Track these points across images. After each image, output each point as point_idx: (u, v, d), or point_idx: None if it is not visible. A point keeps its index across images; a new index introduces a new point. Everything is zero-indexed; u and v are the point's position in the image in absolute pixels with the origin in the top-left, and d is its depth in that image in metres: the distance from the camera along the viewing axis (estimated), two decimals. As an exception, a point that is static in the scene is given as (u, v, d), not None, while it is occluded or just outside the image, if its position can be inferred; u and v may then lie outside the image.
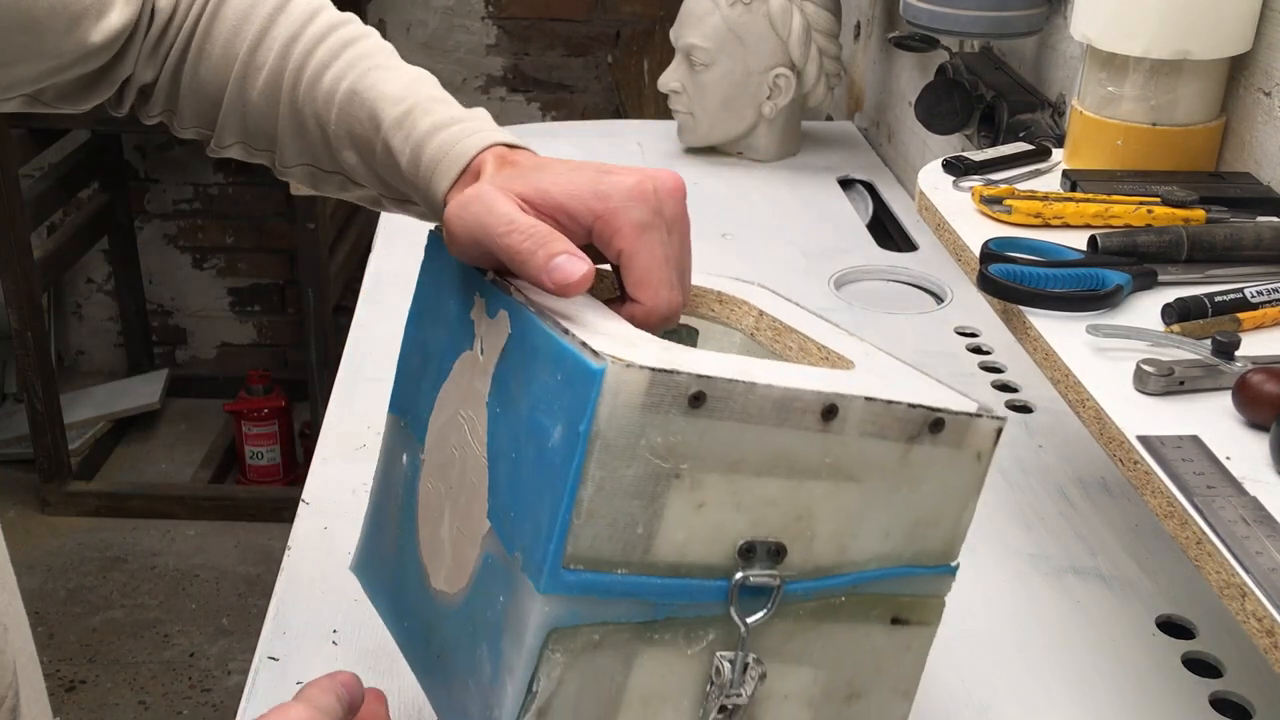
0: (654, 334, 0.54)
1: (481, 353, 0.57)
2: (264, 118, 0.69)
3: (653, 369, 0.47)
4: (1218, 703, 0.75)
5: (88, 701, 2.12)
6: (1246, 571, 0.53)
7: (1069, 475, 0.97)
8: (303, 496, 0.93)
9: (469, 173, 0.60)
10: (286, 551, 0.87)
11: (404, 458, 0.64)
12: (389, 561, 0.64)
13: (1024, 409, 1.07)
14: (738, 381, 0.48)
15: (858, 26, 1.90)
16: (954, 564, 0.58)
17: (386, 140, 0.64)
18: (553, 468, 0.48)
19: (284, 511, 1.33)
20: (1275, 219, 0.81)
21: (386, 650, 0.75)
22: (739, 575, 0.51)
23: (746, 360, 0.53)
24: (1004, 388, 1.11)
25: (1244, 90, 0.88)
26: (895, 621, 0.57)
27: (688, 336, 0.66)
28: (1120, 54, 0.85)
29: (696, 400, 0.48)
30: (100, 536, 2.55)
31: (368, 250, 1.40)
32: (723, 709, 0.53)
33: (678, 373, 0.47)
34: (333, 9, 0.71)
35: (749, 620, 0.52)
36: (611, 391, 0.47)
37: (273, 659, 0.77)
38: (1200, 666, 0.78)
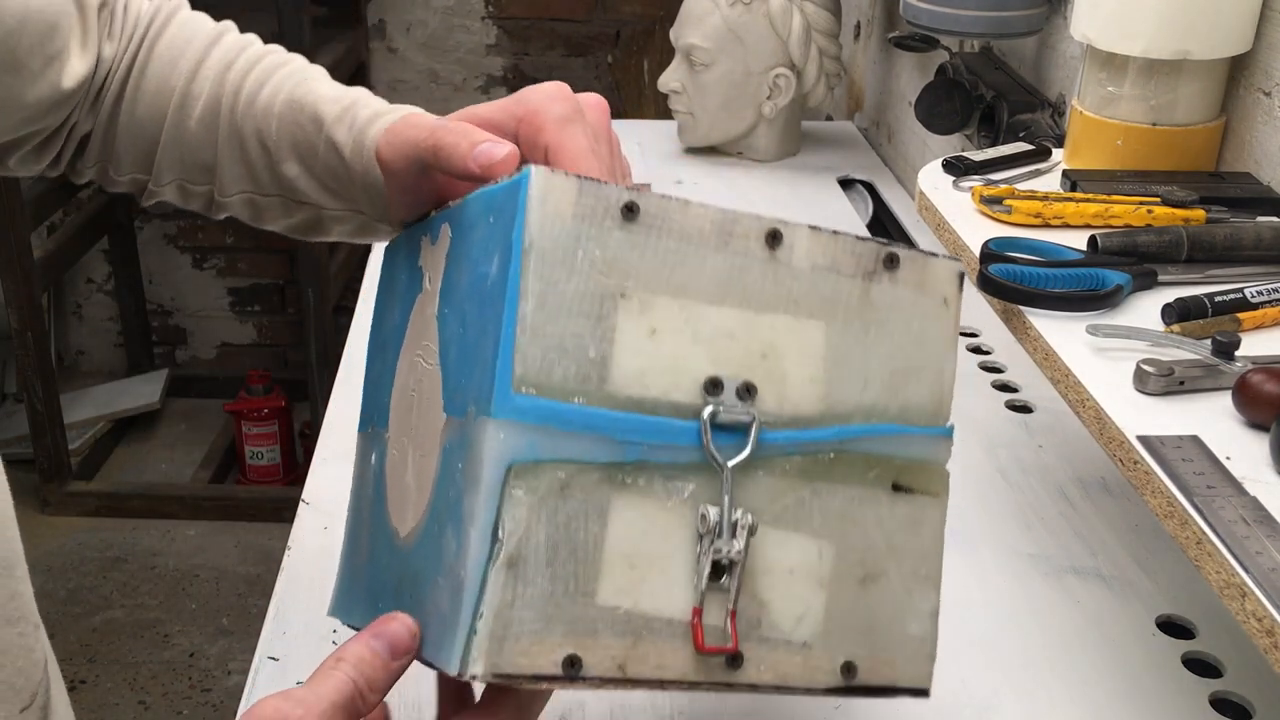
0: None
1: (429, 281, 0.57)
2: (203, 146, 0.69)
3: (580, 177, 0.47)
4: (1218, 703, 0.75)
5: (88, 701, 2.12)
6: (1246, 571, 0.53)
7: (1069, 475, 0.97)
8: (303, 496, 0.93)
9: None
10: (286, 551, 0.87)
11: (372, 457, 0.63)
12: (363, 573, 0.62)
13: (1024, 409, 1.07)
14: (671, 198, 0.49)
15: (858, 26, 1.90)
16: (948, 425, 0.55)
17: (330, 135, 0.65)
18: (493, 298, 0.48)
19: (284, 511, 1.33)
20: (1275, 219, 0.81)
21: (386, 650, 0.75)
22: (708, 409, 0.49)
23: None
24: (1004, 388, 1.11)
25: (1244, 90, 0.88)
26: (897, 489, 0.54)
27: None
28: (1120, 54, 0.85)
29: (629, 211, 0.48)
30: (100, 536, 2.55)
31: (368, 250, 1.40)
32: (716, 568, 0.49)
33: (607, 185, 0.48)
34: (259, 41, 0.73)
35: (728, 462, 0.49)
36: (539, 199, 0.47)
37: (273, 659, 0.77)
38: (1200, 666, 0.78)
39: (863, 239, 0.53)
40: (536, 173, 0.47)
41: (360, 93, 0.67)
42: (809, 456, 0.52)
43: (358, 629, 0.51)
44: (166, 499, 2.62)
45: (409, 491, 0.56)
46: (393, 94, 2.80)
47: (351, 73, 2.62)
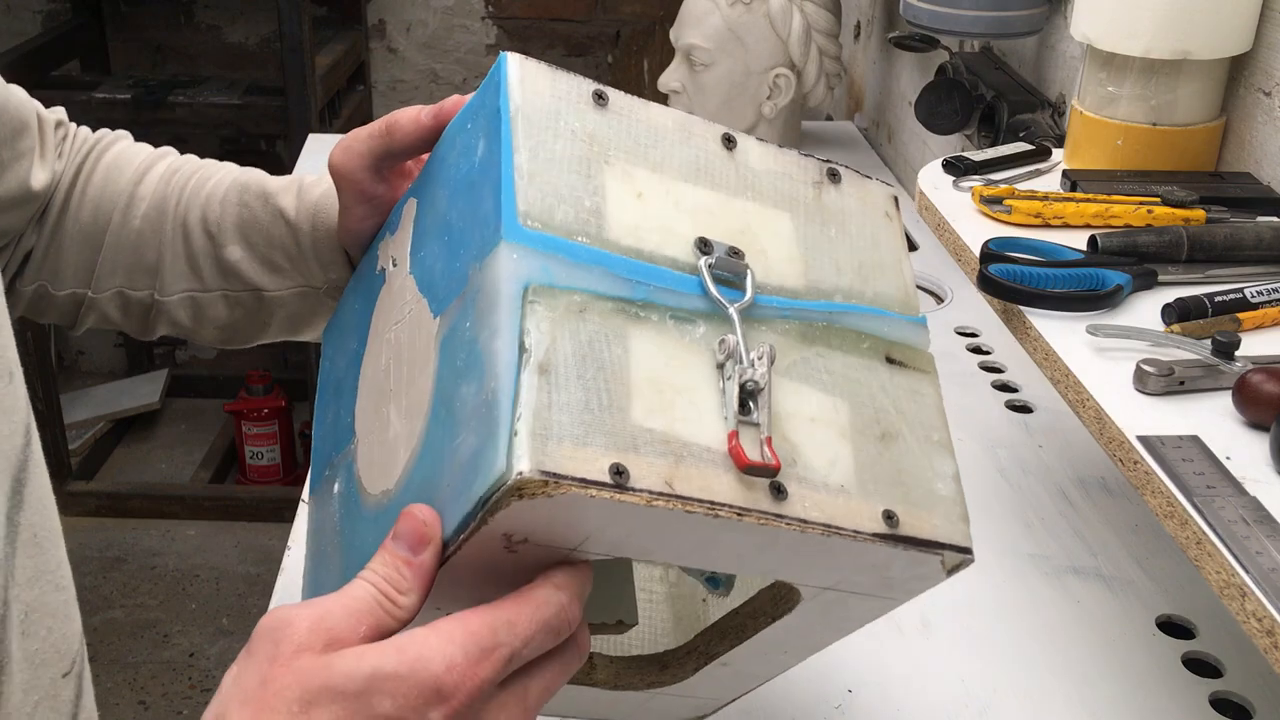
0: None
1: (394, 263, 0.59)
2: (146, 245, 0.72)
3: (551, 65, 0.51)
4: (1218, 703, 0.75)
5: (88, 701, 2.12)
6: (1246, 571, 0.53)
7: (1069, 475, 0.97)
8: (303, 496, 0.93)
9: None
10: (286, 551, 0.87)
11: (336, 486, 0.61)
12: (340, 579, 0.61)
13: (1024, 409, 1.07)
14: (634, 99, 0.53)
15: (858, 26, 1.90)
16: (922, 316, 0.58)
17: (276, 204, 0.69)
18: (485, 171, 0.50)
19: (284, 511, 1.33)
20: (1275, 219, 0.81)
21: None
22: (704, 260, 0.51)
23: None
24: (1004, 388, 1.11)
25: (1244, 90, 0.88)
26: (891, 361, 0.56)
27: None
28: (1120, 54, 0.85)
29: (600, 98, 0.52)
30: (100, 536, 2.55)
31: (368, 250, 1.40)
32: (744, 397, 0.48)
33: (575, 75, 0.52)
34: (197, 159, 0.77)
35: (732, 307, 0.50)
36: (518, 77, 0.50)
37: (273, 659, 0.76)
38: (1200, 666, 0.78)
39: (805, 154, 0.57)
40: (511, 56, 0.51)
41: (306, 174, 0.72)
42: (804, 323, 0.54)
43: None
44: (166, 499, 2.62)
45: (397, 440, 0.54)
46: (393, 94, 2.80)
47: (351, 72, 2.62)
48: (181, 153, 0.77)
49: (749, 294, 0.51)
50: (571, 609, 0.45)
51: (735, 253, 0.52)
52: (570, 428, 0.44)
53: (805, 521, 0.48)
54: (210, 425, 2.92)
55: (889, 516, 0.51)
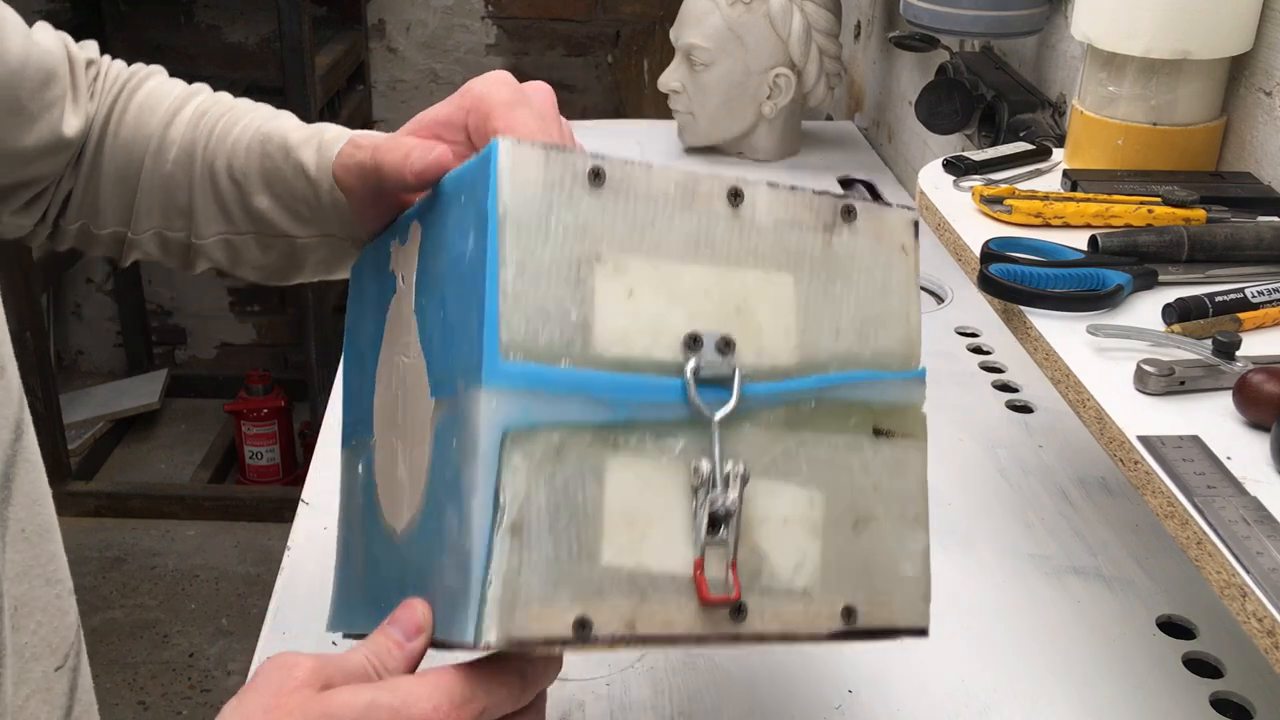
0: None
1: (402, 280, 0.58)
2: (179, 188, 0.72)
3: (545, 146, 0.48)
4: (1218, 703, 0.75)
5: (87, 701, 2.12)
6: (1247, 572, 0.53)
7: (1069, 475, 0.97)
8: (303, 496, 0.93)
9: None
10: (286, 551, 0.87)
11: (359, 468, 0.64)
12: (361, 582, 0.63)
13: (1024, 409, 1.07)
14: (634, 162, 0.50)
15: (858, 26, 1.90)
16: (920, 369, 0.57)
17: (296, 158, 0.68)
18: (473, 272, 0.49)
19: (284, 511, 1.33)
20: (1276, 219, 0.81)
21: (386, 650, 0.75)
22: (691, 364, 0.50)
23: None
24: (1004, 388, 1.11)
25: (1244, 90, 0.88)
26: (878, 433, 0.56)
27: None
28: (1120, 54, 0.85)
29: (596, 176, 0.49)
30: (100, 536, 2.55)
31: (367, 250, 1.40)
32: (714, 520, 0.50)
33: (572, 152, 0.49)
34: (230, 98, 0.76)
35: (715, 415, 0.50)
36: (509, 168, 0.48)
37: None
38: (1201, 667, 0.78)
39: (819, 193, 0.54)
40: (504, 142, 0.48)
41: (328, 125, 0.70)
42: (791, 407, 0.53)
43: (362, 637, 0.52)
44: (166, 499, 2.62)
45: (402, 487, 0.56)
46: (393, 93, 2.80)
47: (351, 72, 2.62)
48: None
49: (734, 400, 0.51)
50: (545, 679, 0.51)
51: (726, 344, 0.52)
52: (539, 587, 0.47)
53: (762, 636, 0.51)
54: (210, 425, 2.92)
55: (848, 613, 0.53)
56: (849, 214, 0.55)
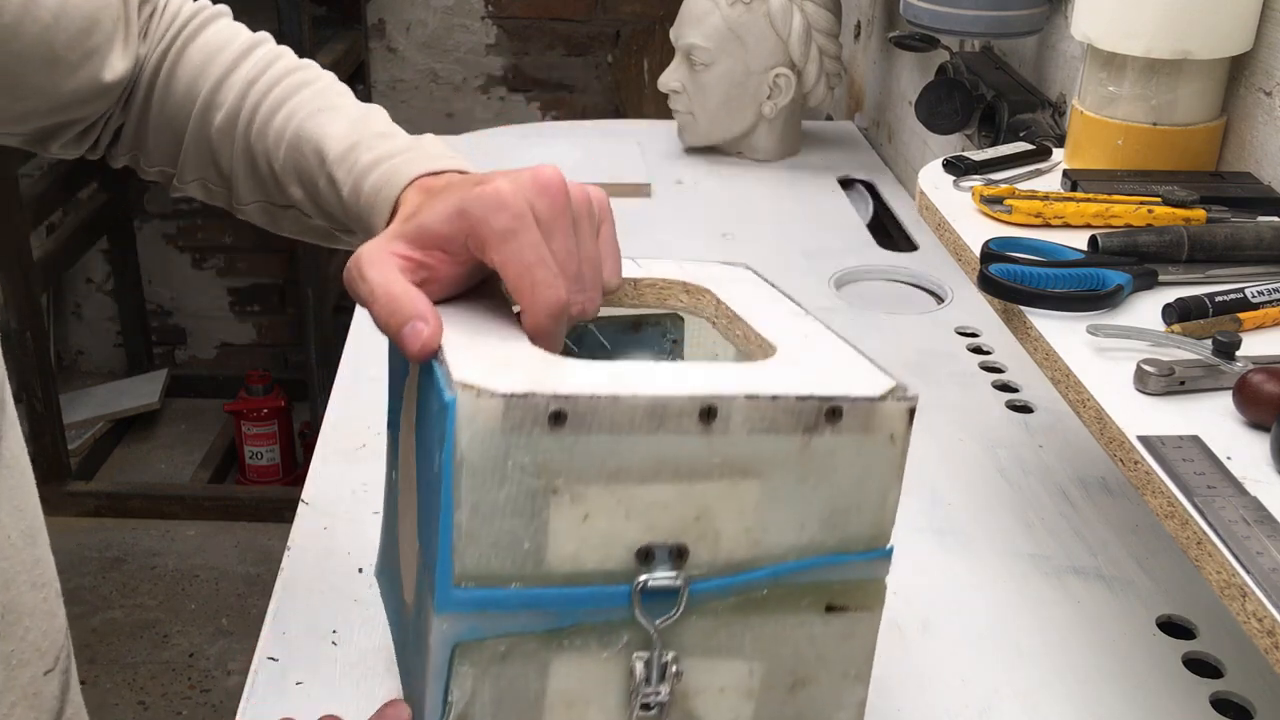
0: (562, 335, 0.55)
1: (407, 375, 0.59)
2: (220, 154, 0.72)
3: (506, 395, 0.48)
4: (1218, 703, 0.75)
5: (87, 702, 2.11)
6: (1247, 572, 0.53)
7: (1069, 475, 0.97)
8: (303, 496, 0.93)
9: (396, 215, 0.62)
10: (286, 551, 0.87)
11: (392, 473, 0.65)
12: (390, 574, 0.65)
13: (1024, 409, 1.07)
14: (599, 396, 0.49)
15: (858, 26, 1.90)
16: (888, 547, 0.55)
17: (330, 173, 0.66)
18: (436, 493, 0.50)
19: (284, 511, 1.33)
20: (1276, 219, 0.81)
21: (386, 650, 0.75)
22: (639, 580, 0.51)
23: (624, 367, 0.53)
24: (1004, 388, 1.11)
25: (1244, 90, 0.88)
26: (831, 609, 0.55)
27: (672, 325, 0.67)
28: (1120, 54, 0.85)
29: (557, 419, 0.48)
30: (100, 536, 2.55)
31: (367, 250, 1.39)
32: (646, 706, 0.53)
33: (533, 395, 0.48)
34: (292, 56, 0.74)
35: (657, 623, 0.52)
36: (467, 420, 0.48)
37: (272, 659, 0.77)
38: (1201, 667, 0.78)
39: (804, 397, 0.51)
40: (462, 398, 0.48)
41: (368, 130, 0.67)
42: (742, 595, 0.54)
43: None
44: (166, 499, 2.62)
45: (409, 564, 0.58)
46: (393, 93, 2.80)
47: (351, 72, 2.62)
48: None
49: (678, 611, 0.52)
50: None
51: (679, 553, 0.52)
52: None
53: None
54: (210, 425, 2.92)
55: None
56: (834, 415, 0.52)
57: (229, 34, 0.73)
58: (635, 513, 0.51)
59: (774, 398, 0.51)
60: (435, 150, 0.66)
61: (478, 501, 0.49)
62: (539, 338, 0.54)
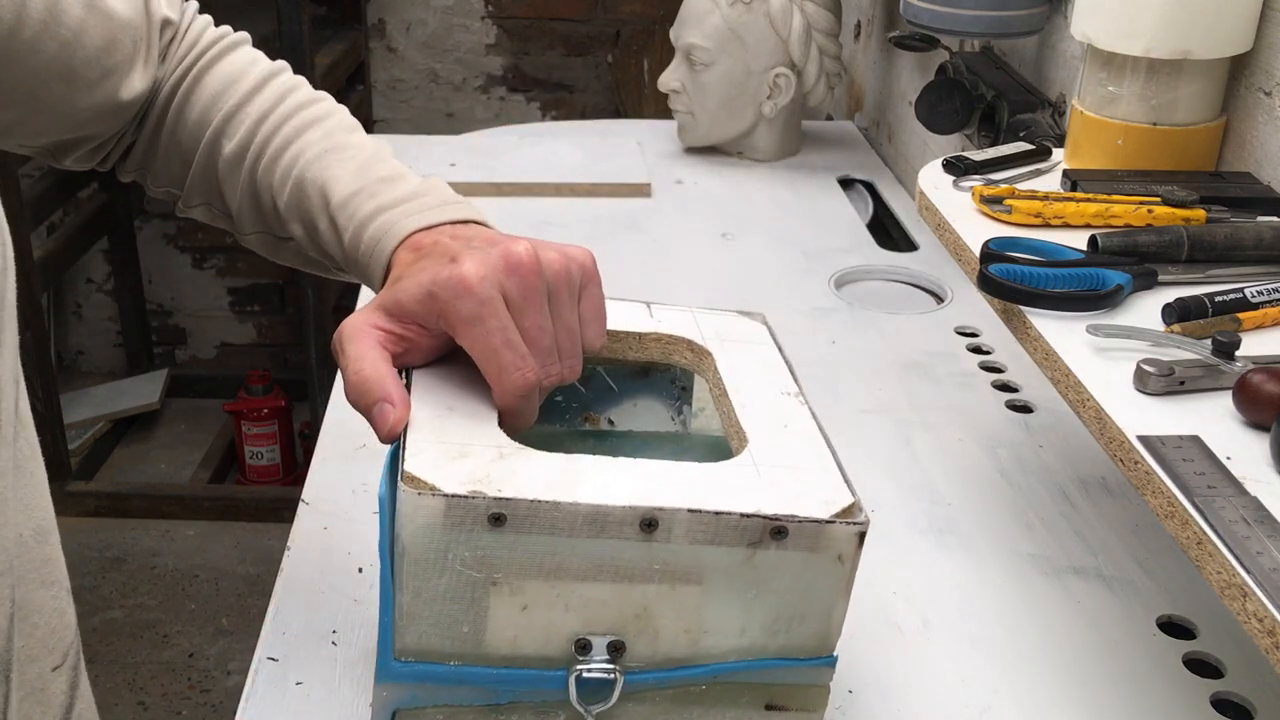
0: (533, 410, 0.56)
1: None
2: (225, 185, 0.73)
3: (448, 495, 0.50)
4: (1219, 703, 0.75)
5: (87, 701, 2.12)
6: (1247, 572, 0.53)
7: (1069, 475, 0.97)
8: (303, 496, 0.93)
9: (389, 274, 0.63)
10: (286, 551, 0.87)
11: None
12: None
13: (1024, 409, 1.07)
14: (540, 501, 0.50)
15: (858, 26, 1.90)
16: (832, 656, 0.56)
17: (333, 218, 0.67)
18: (386, 569, 0.52)
19: (284, 511, 1.33)
20: (1276, 219, 0.81)
21: (386, 650, 0.75)
22: (575, 669, 0.52)
23: (575, 465, 0.53)
24: (1004, 388, 1.11)
25: (1244, 90, 0.88)
26: (771, 708, 0.56)
27: (682, 372, 0.68)
28: (1120, 54, 0.85)
29: (497, 520, 0.50)
30: (100, 536, 2.55)
31: (367, 250, 1.39)
32: None
33: (475, 497, 0.50)
34: (308, 89, 0.74)
35: (592, 709, 0.53)
36: (409, 517, 0.50)
37: (272, 659, 0.77)
38: (1201, 667, 0.78)
39: (749, 515, 0.51)
40: (405, 496, 0.50)
41: (372, 174, 0.68)
42: (680, 689, 0.54)
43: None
44: (166, 499, 2.62)
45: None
46: (393, 93, 2.80)
47: (351, 72, 2.62)
48: None
49: (613, 701, 0.53)
50: None
51: (617, 648, 0.53)
52: None
53: None
54: (210, 425, 2.92)
55: None
56: (779, 534, 0.52)
57: (246, 63, 0.74)
58: (574, 607, 0.52)
59: (718, 513, 0.51)
60: (436, 199, 0.66)
61: (419, 587, 0.51)
62: (508, 415, 0.56)
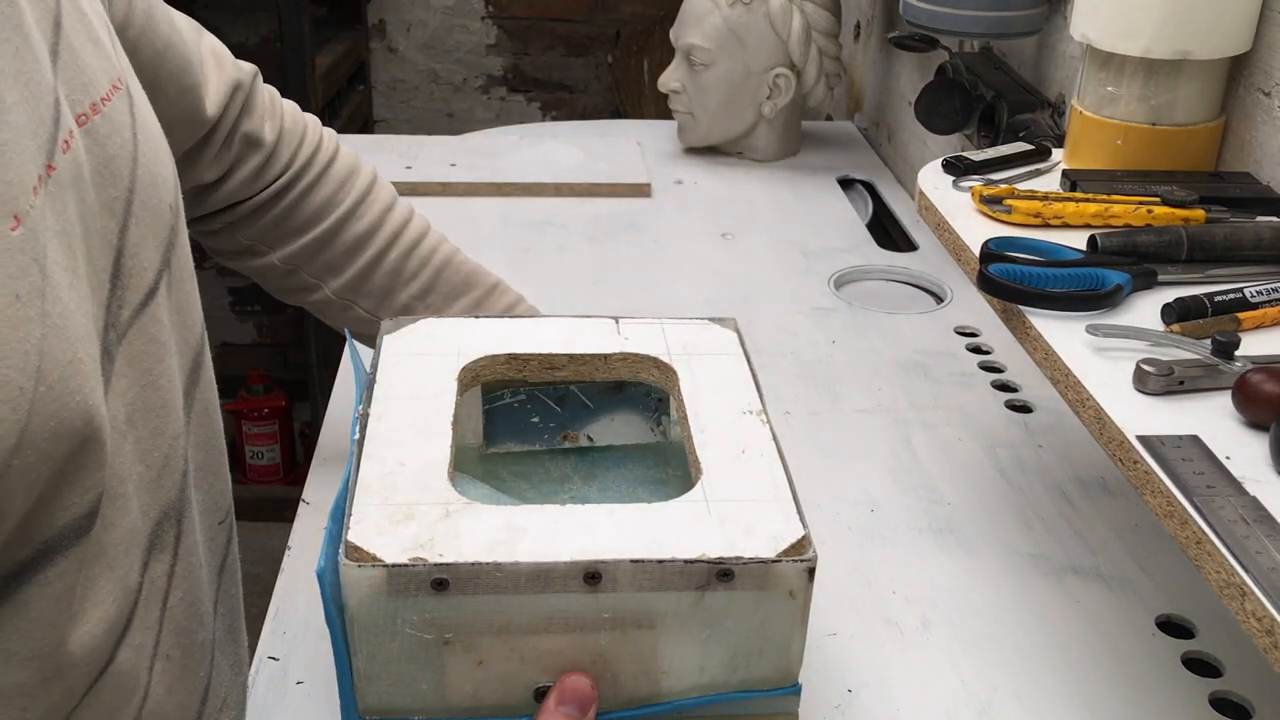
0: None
1: (366, 377, 0.65)
2: (344, 256, 0.89)
3: (390, 565, 0.50)
4: (1218, 703, 0.75)
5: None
6: (1246, 571, 0.53)
7: (1069, 475, 0.97)
8: (303, 496, 0.93)
9: None
10: (286, 551, 0.87)
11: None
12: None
13: (1024, 409, 1.07)
14: (481, 564, 0.51)
15: (858, 26, 1.90)
16: (795, 685, 0.56)
17: (490, 289, 0.92)
18: (337, 634, 0.53)
19: (284, 511, 1.33)
20: (1275, 219, 0.81)
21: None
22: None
23: (521, 520, 0.54)
24: (1004, 388, 1.11)
25: (1244, 90, 0.88)
26: None
27: (658, 388, 0.69)
28: (1120, 54, 0.85)
29: (440, 585, 0.51)
30: (100, 536, 2.54)
31: (368, 250, 1.40)
32: None
33: (417, 565, 0.50)
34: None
35: None
36: (354, 586, 0.51)
37: (273, 659, 0.77)
38: (1200, 666, 0.78)
39: (692, 561, 0.52)
40: (345, 569, 0.51)
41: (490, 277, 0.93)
42: None
43: None
44: (166, 499, 2.61)
45: None
46: (393, 94, 2.80)
47: (352, 73, 2.62)
48: None
49: None
50: None
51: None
52: None
53: None
54: (210, 425, 2.92)
55: None
56: (725, 576, 0.52)
57: (351, 159, 0.91)
58: (529, 659, 0.53)
59: (660, 561, 0.52)
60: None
61: (373, 651, 0.52)
62: None
